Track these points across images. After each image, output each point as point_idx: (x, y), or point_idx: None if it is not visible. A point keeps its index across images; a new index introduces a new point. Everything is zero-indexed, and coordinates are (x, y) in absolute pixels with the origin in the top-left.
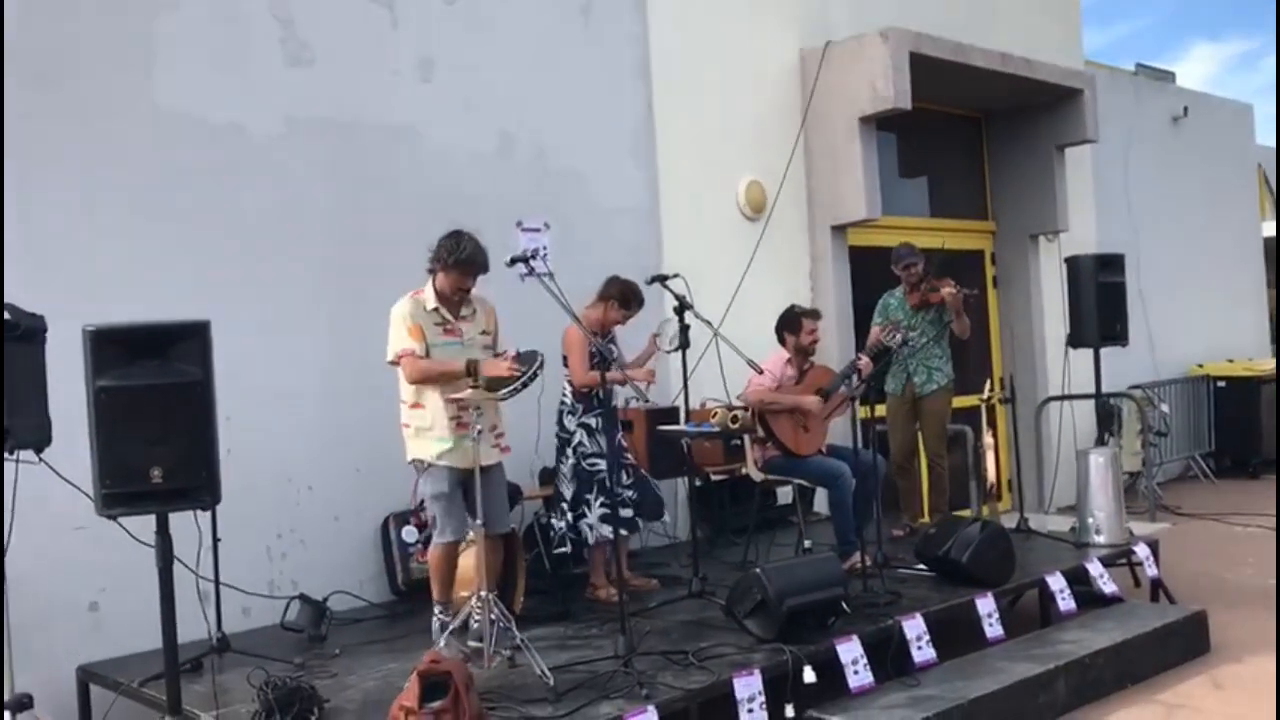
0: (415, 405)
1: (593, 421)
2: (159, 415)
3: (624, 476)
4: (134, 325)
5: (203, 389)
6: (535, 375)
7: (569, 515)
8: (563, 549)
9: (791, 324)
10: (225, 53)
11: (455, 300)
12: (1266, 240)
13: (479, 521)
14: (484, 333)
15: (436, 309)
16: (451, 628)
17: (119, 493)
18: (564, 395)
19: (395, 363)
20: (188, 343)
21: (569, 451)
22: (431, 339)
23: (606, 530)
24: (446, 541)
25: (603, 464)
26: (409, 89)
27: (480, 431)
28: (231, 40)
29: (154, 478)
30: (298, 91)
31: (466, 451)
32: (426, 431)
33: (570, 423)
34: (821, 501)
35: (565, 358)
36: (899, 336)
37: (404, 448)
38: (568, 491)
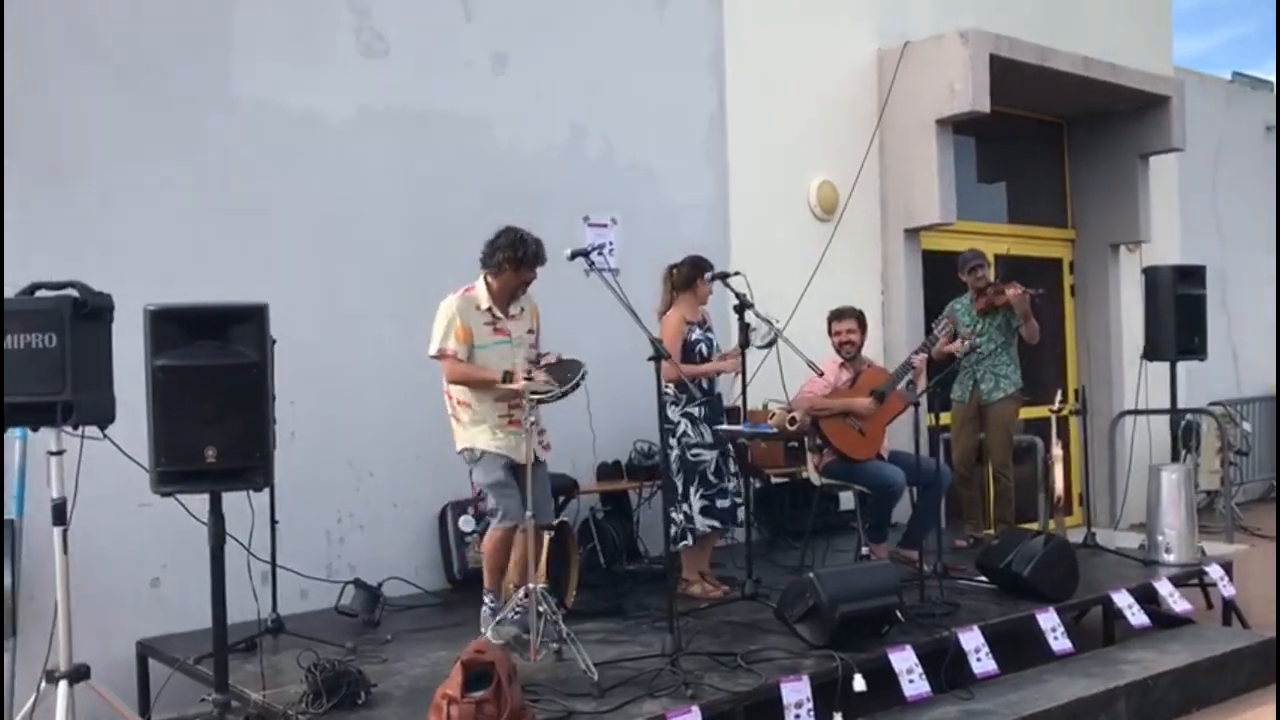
0: (463, 403)
1: (696, 411)
2: (215, 396)
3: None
4: (193, 306)
5: (259, 371)
6: (577, 385)
7: (683, 507)
8: (685, 542)
9: (828, 327)
10: (300, 42)
11: (507, 298)
12: None
13: (529, 514)
14: (530, 331)
15: (490, 308)
16: (500, 617)
17: (173, 470)
18: (665, 386)
19: (438, 357)
20: (245, 325)
21: (673, 442)
22: (481, 339)
23: (706, 524)
24: (506, 526)
25: (706, 454)
26: (481, 81)
27: (532, 424)
28: (307, 29)
29: (208, 457)
30: (371, 82)
31: (515, 446)
32: (478, 424)
33: (674, 413)
34: None
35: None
36: (967, 344)
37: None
38: (679, 484)
